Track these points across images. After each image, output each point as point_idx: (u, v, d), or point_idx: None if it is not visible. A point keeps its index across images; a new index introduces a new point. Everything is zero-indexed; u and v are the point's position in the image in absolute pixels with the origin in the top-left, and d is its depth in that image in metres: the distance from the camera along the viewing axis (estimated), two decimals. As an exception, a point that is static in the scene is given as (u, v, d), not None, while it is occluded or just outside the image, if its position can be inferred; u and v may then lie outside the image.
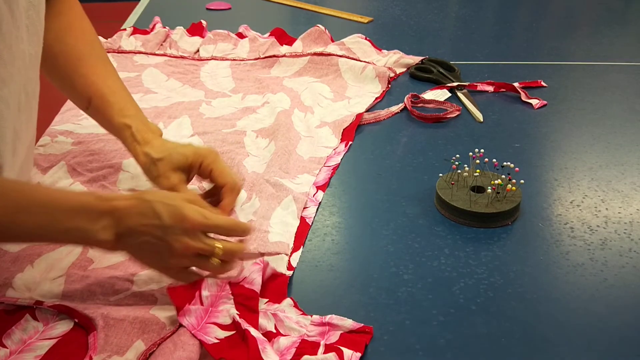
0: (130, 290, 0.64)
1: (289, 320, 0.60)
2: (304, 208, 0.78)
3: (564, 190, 0.83)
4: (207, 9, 1.56)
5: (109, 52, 1.22)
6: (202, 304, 0.60)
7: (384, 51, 1.24)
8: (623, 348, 0.58)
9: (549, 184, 0.84)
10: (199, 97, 1.06)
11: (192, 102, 1.04)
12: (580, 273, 0.67)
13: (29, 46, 0.68)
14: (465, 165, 0.79)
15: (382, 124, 1.01)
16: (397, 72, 1.18)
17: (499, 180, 0.76)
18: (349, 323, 0.59)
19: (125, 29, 1.31)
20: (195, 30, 1.33)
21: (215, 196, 0.74)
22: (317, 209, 0.78)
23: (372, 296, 0.64)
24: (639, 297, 0.64)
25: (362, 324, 0.59)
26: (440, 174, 0.80)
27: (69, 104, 1.02)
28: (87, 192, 0.66)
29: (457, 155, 0.82)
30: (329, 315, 0.60)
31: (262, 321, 0.60)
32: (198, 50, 1.25)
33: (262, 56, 1.21)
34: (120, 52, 1.23)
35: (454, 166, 0.78)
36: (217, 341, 0.56)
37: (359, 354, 0.56)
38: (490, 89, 1.11)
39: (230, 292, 0.61)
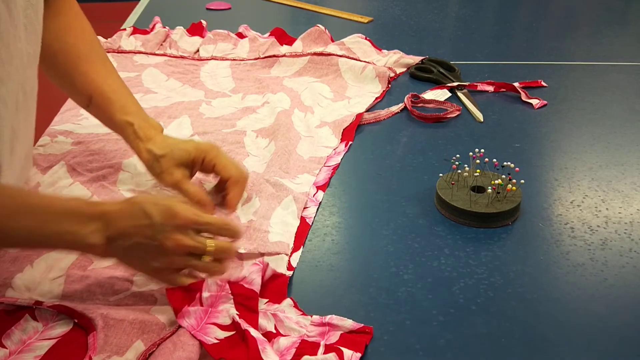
0: (130, 290, 0.64)
1: (289, 320, 0.60)
2: (304, 208, 0.78)
3: (564, 190, 0.82)
4: (207, 8, 1.56)
5: (108, 52, 1.22)
6: (201, 305, 0.60)
7: (384, 51, 1.24)
8: (623, 348, 0.58)
9: (549, 184, 0.84)
10: (199, 97, 1.06)
11: (192, 102, 1.04)
12: (580, 273, 0.67)
13: (27, 45, 0.68)
14: (466, 165, 0.79)
15: (382, 124, 1.00)
16: (397, 72, 1.18)
17: (499, 180, 0.76)
18: (349, 323, 0.59)
19: (125, 29, 1.31)
20: (195, 30, 1.33)
21: (224, 191, 0.75)
22: (317, 209, 0.78)
23: (372, 296, 0.64)
24: (639, 297, 0.64)
25: (362, 324, 0.59)
26: (441, 174, 0.80)
27: (68, 104, 1.02)
28: (77, 198, 0.66)
29: (457, 155, 0.82)
30: (329, 316, 0.60)
31: (262, 321, 0.60)
32: (198, 50, 1.25)
33: (262, 56, 1.21)
34: (120, 52, 1.23)
35: (454, 166, 0.78)
36: (216, 341, 0.56)
37: (359, 354, 0.56)
38: (491, 89, 1.11)
39: (229, 292, 0.61)
